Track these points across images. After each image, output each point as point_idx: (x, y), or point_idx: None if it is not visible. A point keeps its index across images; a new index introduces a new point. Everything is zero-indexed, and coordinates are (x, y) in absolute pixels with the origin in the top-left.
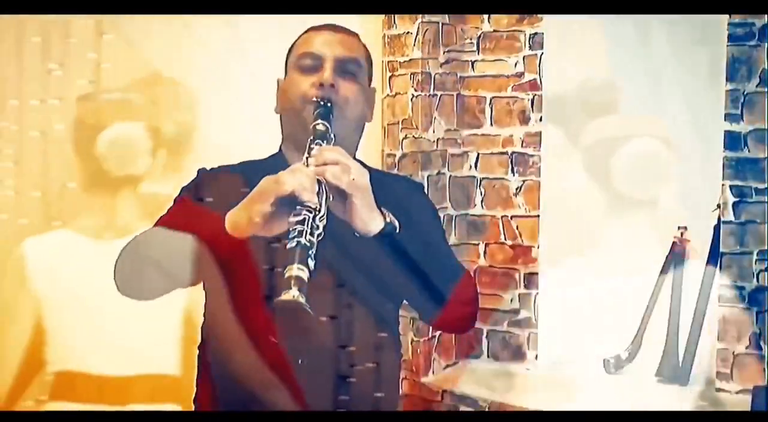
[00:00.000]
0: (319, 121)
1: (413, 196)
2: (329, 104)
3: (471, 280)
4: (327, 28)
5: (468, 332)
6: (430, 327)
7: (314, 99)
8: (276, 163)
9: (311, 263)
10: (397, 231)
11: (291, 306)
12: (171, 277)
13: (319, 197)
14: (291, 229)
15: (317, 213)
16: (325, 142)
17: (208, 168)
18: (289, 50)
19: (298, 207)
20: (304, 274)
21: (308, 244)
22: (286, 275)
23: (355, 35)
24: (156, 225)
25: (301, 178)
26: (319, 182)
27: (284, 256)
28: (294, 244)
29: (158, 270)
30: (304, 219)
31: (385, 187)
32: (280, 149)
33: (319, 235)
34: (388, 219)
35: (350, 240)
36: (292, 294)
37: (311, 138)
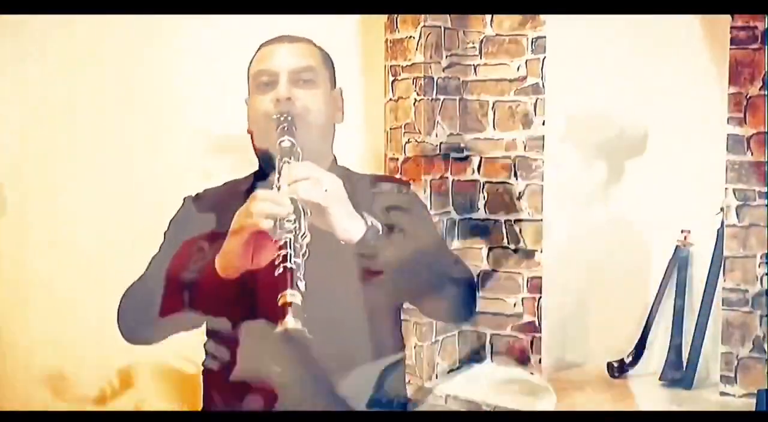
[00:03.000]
0: (284, 137)
1: (402, 199)
2: (289, 118)
3: (465, 266)
4: (276, 40)
5: (468, 320)
6: (434, 331)
7: (274, 116)
8: (258, 180)
9: (302, 284)
10: (380, 233)
11: (290, 336)
12: (173, 323)
13: (296, 216)
14: (275, 256)
15: (297, 232)
16: (293, 158)
17: (193, 194)
18: (248, 70)
19: (278, 231)
20: (297, 298)
21: (294, 267)
22: (280, 302)
23: (308, 41)
24: (150, 266)
25: (270, 205)
26: (293, 200)
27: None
28: (281, 270)
29: (158, 318)
30: (286, 242)
31: (371, 190)
32: (260, 167)
33: (304, 254)
34: (369, 223)
35: (340, 246)
36: (289, 322)
37: (278, 157)
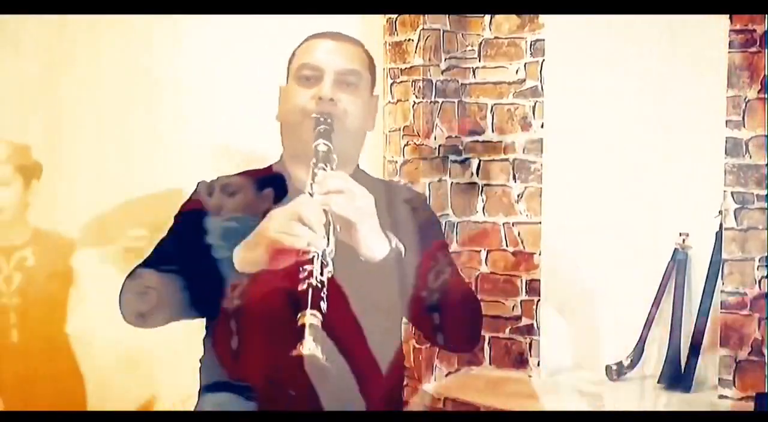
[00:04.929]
0: (321, 141)
1: (415, 209)
2: (329, 121)
3: (474, 298)
4: (328, 36)
5: (473, 351)
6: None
7: (314, 115)
8: (277, 174)
9: (324, 305)
10: (403, 255)
11: (307, 361)
12: (175, 309)
13: (326, 229)
14: (301, 269)
15: (325, 248)
16: (328, 165)
17: (207, 180)
18: (291, 57)
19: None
20: (317, 320)
21: (319, 285)
22: (299, 322)
23: (359, 44)
24: (156, 249)
25: (308, 214)
26: (324, 211)
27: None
28: (305, 286)
29: (161, 301)
30: (313, 257)
31: (387, 197)
32: (282, 158)
33: (329, 272)
34: (393, 245)
35: (356, 259)
36: (307, 347)
37: (314, 161)
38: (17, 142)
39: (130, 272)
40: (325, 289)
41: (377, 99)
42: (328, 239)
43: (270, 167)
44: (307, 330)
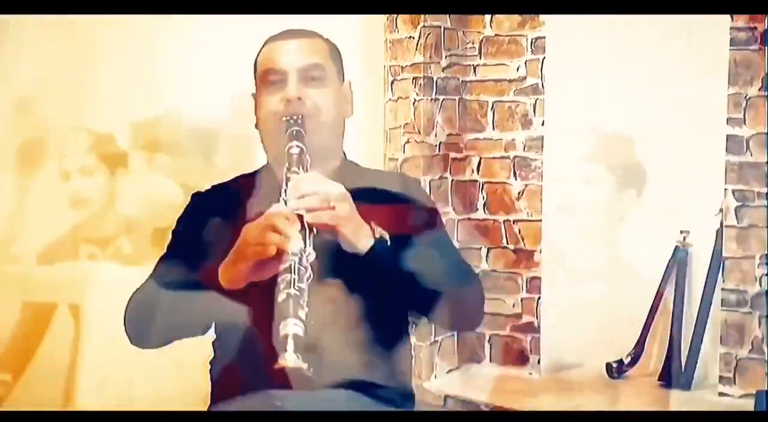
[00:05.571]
0: (293, 143)
1: (409, 194)
2: (300, 121)
3: (474, 276)
4: (284, 35)
5: (477, 327)
6: (433, 331)
7: (284, 118)
8: (266, 177)
9: (303, 313)
10: (389, 243)
11: (291, 373)
12: (180, 328)
13: (302, 234)
14: (279, 279)
15: (303, 253)
16: (300, 167)
17: (202, 191)
18: (254, 65)
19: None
20: (300, 329)
21: (298, 293)
22: (282, 333)
23: (316, 35)
24: (157, 268)
25: (282, 223)
26: (299, 217)
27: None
28: (284, 297)
29: (166, 320)
30: (290, 265)
31: (379, 186)
32: (268, 162)
33: (308, 278)
34: (377, 235)
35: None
36: (289, 359)
37: (287, 166)
38: (99, 130)
39: (133, 294)
40: (305, 297)
41: (349, 84)
42: (305, 245)
43: (259, 171)
44: (289, 341)
